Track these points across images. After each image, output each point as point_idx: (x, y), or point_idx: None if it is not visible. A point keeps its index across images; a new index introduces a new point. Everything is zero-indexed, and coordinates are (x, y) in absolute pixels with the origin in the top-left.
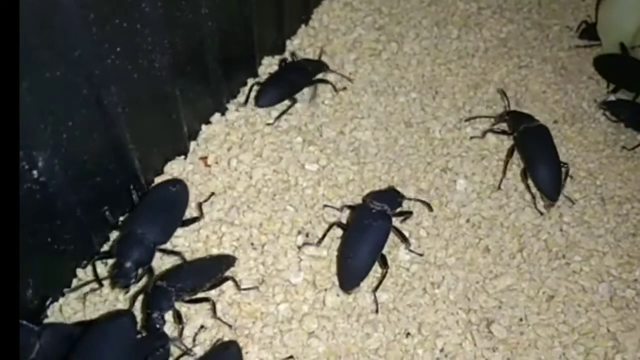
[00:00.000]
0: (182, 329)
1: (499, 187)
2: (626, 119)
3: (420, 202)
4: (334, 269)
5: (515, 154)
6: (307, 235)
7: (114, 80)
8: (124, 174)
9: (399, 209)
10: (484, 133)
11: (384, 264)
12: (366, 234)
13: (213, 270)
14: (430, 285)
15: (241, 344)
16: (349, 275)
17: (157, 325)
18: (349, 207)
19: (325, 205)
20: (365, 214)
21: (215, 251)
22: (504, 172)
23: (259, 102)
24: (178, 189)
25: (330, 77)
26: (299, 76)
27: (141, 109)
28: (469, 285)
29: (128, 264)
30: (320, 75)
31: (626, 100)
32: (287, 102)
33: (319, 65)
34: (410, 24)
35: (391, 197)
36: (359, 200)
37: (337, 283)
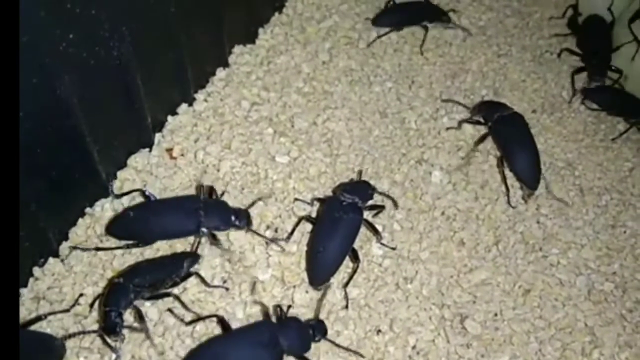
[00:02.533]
0: (147, 327)
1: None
2: (606, 105)
3: (386, 196)
4: (303, 264)
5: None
6: (276, 230)
7: (67, 69)
8: (82, 167)
9: (370, 202)
10: (460, 123)
11: (355, 258)
12: (337, 227)
13: (174, 266)
14: (403, 280)
15: None
16: (319, 270)
17: (115, 324)
18: (319, 199)
19: (296, 199)
20: (335, 206)
21: (180, 248)
22: (468, 158)
23: (376, 22)
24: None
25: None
26: (418, 14)
27: (99, 100)
28: (443, 280)
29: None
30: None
31: (605, 86)
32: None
33: (441, 15)
34: None
35: (362, 189)
36: (330, 194)
37: (306, 279)
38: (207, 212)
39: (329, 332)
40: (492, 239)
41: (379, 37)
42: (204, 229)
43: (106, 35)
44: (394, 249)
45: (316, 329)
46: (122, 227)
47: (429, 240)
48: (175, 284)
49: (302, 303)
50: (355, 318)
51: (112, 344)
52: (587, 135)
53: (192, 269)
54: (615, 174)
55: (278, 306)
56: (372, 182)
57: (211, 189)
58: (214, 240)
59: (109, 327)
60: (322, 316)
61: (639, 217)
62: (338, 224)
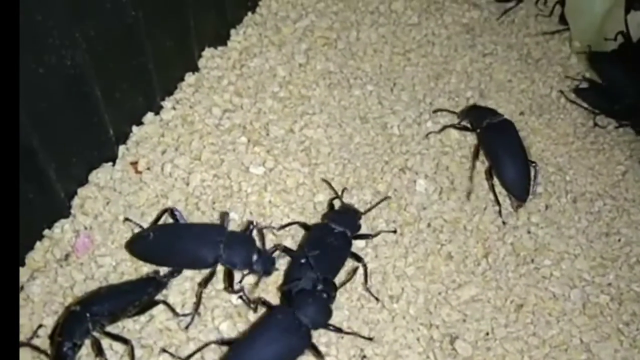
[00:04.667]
0: None
1: (468, 197)
2: (598, 106)
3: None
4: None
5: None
6: None
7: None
8: (36, 186)
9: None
10: (443, 128)
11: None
12: (327, 253)
13: (136, 293)
14: (389, 298)
15: None
16: None
17: (65, 356)
18: (303, 226)
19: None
20: (325, 232)
21: (146, 270)
22: (472, 177)
23: None
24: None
25: None
26: None
27: (53, 112)
28: (431, 297)
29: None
30: None
31: (598, 86)
32: None
33: None
34: (367, 10)
35: (351, 219)
36: (309, 206)
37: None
38: (229, 246)
39: (310, 358)
40: (481, 251)
41: (507, 10)
42: (220, 265)
43: (56, 42)
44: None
45: (325, 287)
46: (140, 248)
47: (415, 254)
48: (139, 312)
49: None
50: (337, 342)
51: None
52: (577, 138)
53: (158, 296)
54: (607, 179)
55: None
56: (353, 192)
57: (250, 224)
58: (230, 286)
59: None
60: None
61: (634, 223)
62: (328, 250)
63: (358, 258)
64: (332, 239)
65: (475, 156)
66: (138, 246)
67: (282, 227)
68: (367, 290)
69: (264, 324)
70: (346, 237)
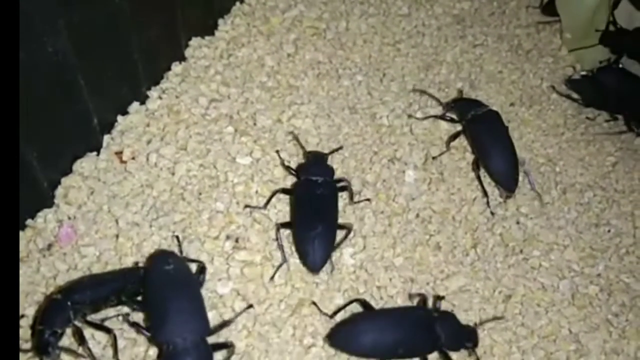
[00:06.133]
0: (89, 350)
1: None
2: (589, 97)
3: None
4: (267, 276)
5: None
6: (237, 240)
7: None
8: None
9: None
10: (426, 117)
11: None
12: (322, 204)
13: (119, 282)
14: (377, 289)
15: None
16: (320, 251)
17: (47, 343)
18: (284, 191)
19: (247, 206)
20: (312, 186)
21: (131, 260)
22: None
23: None
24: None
25: None
26: None
27: (35, 101)
28: (419, 288)
29: None
30: None
31: (591, 77)
32: None
33: None
34: (356, 0)
35: (323, 165)
36: None
37: (269, 293)
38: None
39: (297, 350)
40: (470, 241)
41: None
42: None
43: (39, 29)
44: (369, 199)
45: (471, 334)
46: (158, 259)
47: (404, 245)
48: (122, 302)
49: (265, 320)
50: (325, 333)
51: None
52: (567, 129)
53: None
54: (597, 170)
55: (438, 296)
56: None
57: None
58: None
59: (40, 347)
60: (288, 333)
61: (623, 214)
62: (322, 201)
63: (340, 180)
64: (320, 189)
65: (451, 140)
66: (160, 258)
67: (266, 203)
68: (355, 202)
69: (402, 309)
70: (330, 183)
